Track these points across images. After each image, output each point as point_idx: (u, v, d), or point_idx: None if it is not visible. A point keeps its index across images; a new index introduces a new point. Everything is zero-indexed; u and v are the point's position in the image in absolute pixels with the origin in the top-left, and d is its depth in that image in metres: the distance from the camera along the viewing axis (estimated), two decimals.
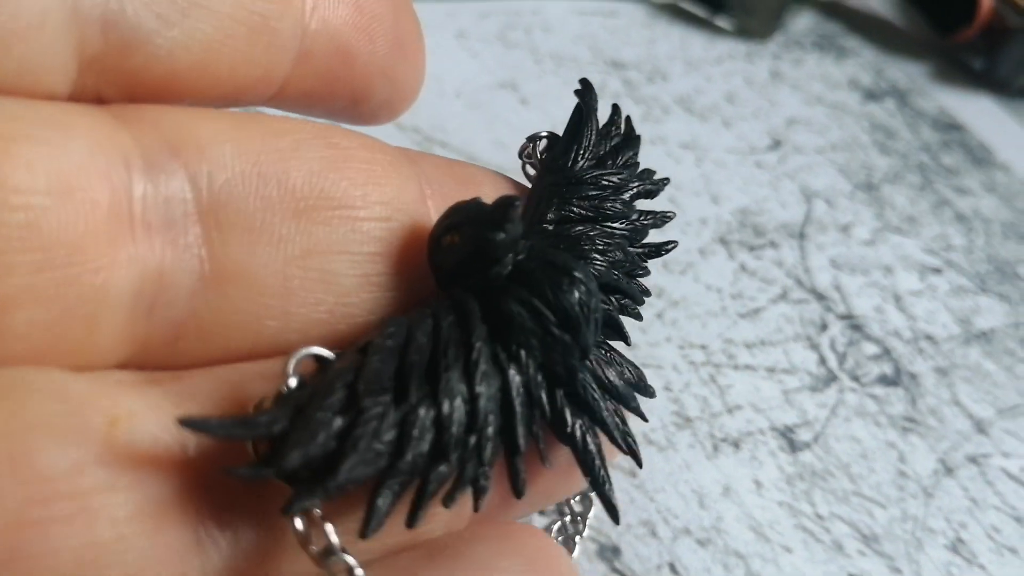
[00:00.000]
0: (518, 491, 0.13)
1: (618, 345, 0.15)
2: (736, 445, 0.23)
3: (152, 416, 0.12)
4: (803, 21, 0.41)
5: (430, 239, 0.14)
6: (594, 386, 0.14)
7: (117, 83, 0.13)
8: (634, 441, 0.15)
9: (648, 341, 0.24)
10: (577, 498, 0.20)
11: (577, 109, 0.16)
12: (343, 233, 0.14)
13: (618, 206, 0.16)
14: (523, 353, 0.13)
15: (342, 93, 0.15)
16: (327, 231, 0.13)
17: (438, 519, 0.14)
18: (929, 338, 0.27)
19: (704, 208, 0.29)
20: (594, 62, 0.34)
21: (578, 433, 0.14)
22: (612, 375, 0.14)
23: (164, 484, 0.12)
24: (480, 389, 0.13)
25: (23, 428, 0.11)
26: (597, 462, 0.14)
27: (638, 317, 0.16)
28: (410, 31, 0.16)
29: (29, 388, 0.11)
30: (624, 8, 0.37)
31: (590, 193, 0.15)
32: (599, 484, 0.14)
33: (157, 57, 0.13)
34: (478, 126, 0.29)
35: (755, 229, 0.29)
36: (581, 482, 0.15)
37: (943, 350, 0.27)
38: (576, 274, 0.13)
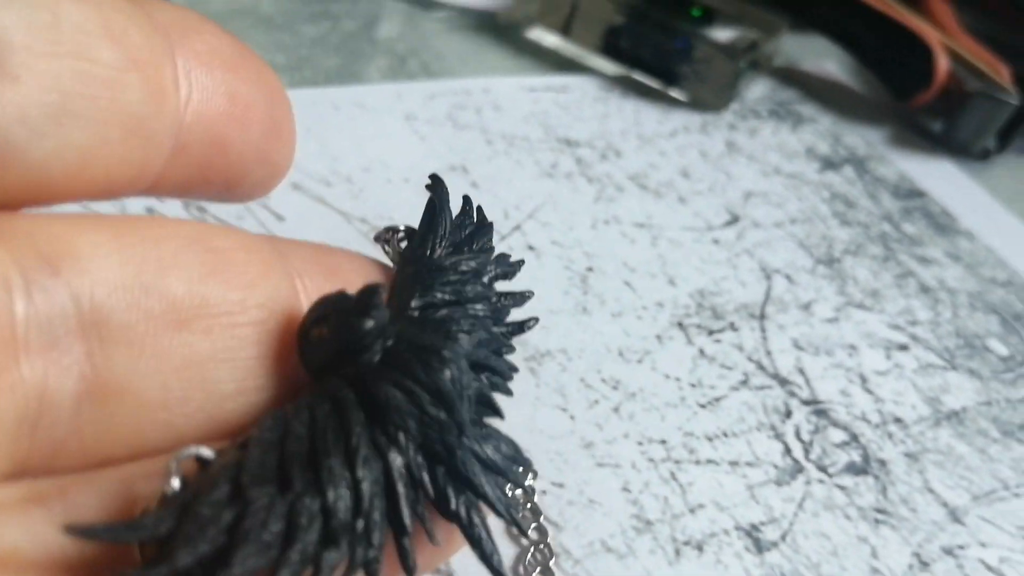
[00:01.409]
0: (409, 570, 0.14)
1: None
2: (700, 548, 0.21)
3: (37, 550, 0.12)
4: (758, 89, 0.40)
5: (299, 335, 0.14)
6: (474, 462, 0.14)
7: None
8: (516, 511, 0.15)
9: (605, 438, 0.23)
10: (533, 526, 0.21)
11: (430, 203, 0.17)
12: (223, 341, 0.14)
13: (479, 288, 0.16)
14: (401, 435, 0.13)
15: (217, 180, 0.16)
16: (208, 341, 0.13)
17: None
18: (898, 421, 0.26)
19: (660, 291, 0.28)
20: (546, 140, 0.33)
21: (462, 510, 0.14)
22: (489, 450, 0.15)
23: None
24: (362, 474, 0.13)
25: None
26: (484, 536, 0.14)
27: (508, 392, 0.16)
28: (283, 113, 0.16)
29: None
30: (575, 82, 0.37)
31: (451, 279, 0.16)
32: (487, 557, 0.14)
33: (30, 170, 0.12)
34: None
35: (714, 311, 0.28)
36: (462, 545, 0.15)
37: (912, 433, 0.26)
38: (445, 353, 0.14)
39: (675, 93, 0.38)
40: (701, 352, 0.26)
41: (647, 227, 0.30)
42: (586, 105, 0.36)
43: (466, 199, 0.18)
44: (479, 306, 0.16)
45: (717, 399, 0.25)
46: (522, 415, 0.23)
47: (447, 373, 0.14)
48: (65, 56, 0.12)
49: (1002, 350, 0.30)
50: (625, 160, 0.33)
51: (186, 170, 0.15)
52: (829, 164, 0.37)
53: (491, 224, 0.18)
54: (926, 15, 0.43)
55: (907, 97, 0.40)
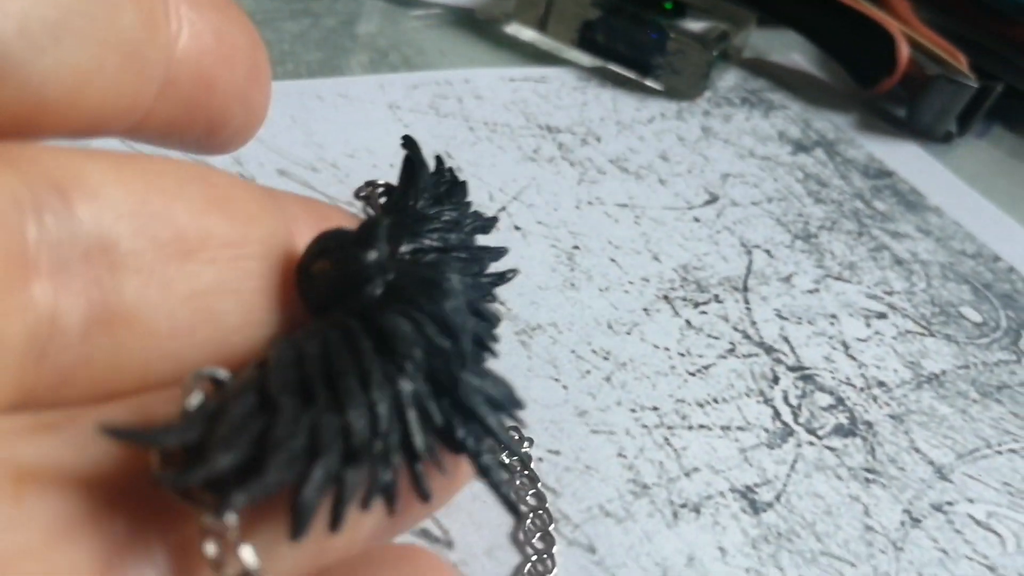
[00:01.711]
0: (424, 495, 0.14)
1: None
2: (697, 510, 0.22)
3: (56, 472, 0.11)
4: (730, 79, 0.41)
5: (299, 270, 0.14)
6: (477, 394, 0.14)
7: None
8: (519, 444, 0.15)
9: (598, 406, 0.23)
10: (537, 536, 0.20)
11: (407, 160, 0.18)
12: (228, 273, 0.14)
13: (462, 237, 0.17)
14: (408, 364, 0.13)
15: (200, 121, 0.16)
16: (213, 271, 0.13)
17: (341, 540, 0.14)
18: (881, 384, 0.27)
19: (645, 266, 0.28)
20: (528, 126, 0.33)
21: (470, 441, 0.14)
22: (489, 386, 0.15)
23: (76, 546, 0.11)
24: (377, 396, 0.13)
25: None
26: (492, 465, 0.14)
27: (495, 339, 0.16)
28: (262, 58, 0.16)
29: None
30: (554, 73, 0.38)
31: (435, 227, 0.16)
32: (497, 487, 0.14)
33: (27, 88, 0.12)
34: None
35: (698, 284, 0.28)
36: (462, 485, 0.16)
37: (896, 396, 0.26)
38: (447, 286, 0.14)
39: (650, 83, 0.38)
40: (688, 323, 0.27)
41: (629, 207, 0.31)
42: (565, 94, 0.36)
43: (439, 159, 0.19)
44: (463, 254, 0.17)
45: (706, 367, 0.25)
46: (515, 386, 0.23)
47: (452, 303, 0.14)
48: None
49: (975, 317, 0.30)
50: (605, 145, 0.34)
51: (174, 108, 0.15)
52: (800, 147, 0.37)
53: (465, 182, 0.18)
54: (886, 10, 0.44)
55: (871, 84, 0.41)
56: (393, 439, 0.13)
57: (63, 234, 0.12)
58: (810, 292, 0.29)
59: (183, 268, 0.13)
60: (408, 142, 0.18)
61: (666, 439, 0.23)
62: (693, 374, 0.25)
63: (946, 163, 0.39)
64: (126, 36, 0.13)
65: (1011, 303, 0.31)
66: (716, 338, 0.26)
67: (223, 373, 0.13)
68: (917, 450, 0.25)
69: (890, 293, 0.30)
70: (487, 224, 0.18)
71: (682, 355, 0.26)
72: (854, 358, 0.27)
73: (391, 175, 0.30)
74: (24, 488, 0.11)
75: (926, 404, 0.26)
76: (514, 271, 0.18)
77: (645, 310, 0.27)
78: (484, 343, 0.16)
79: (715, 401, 0.25)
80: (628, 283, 0.28)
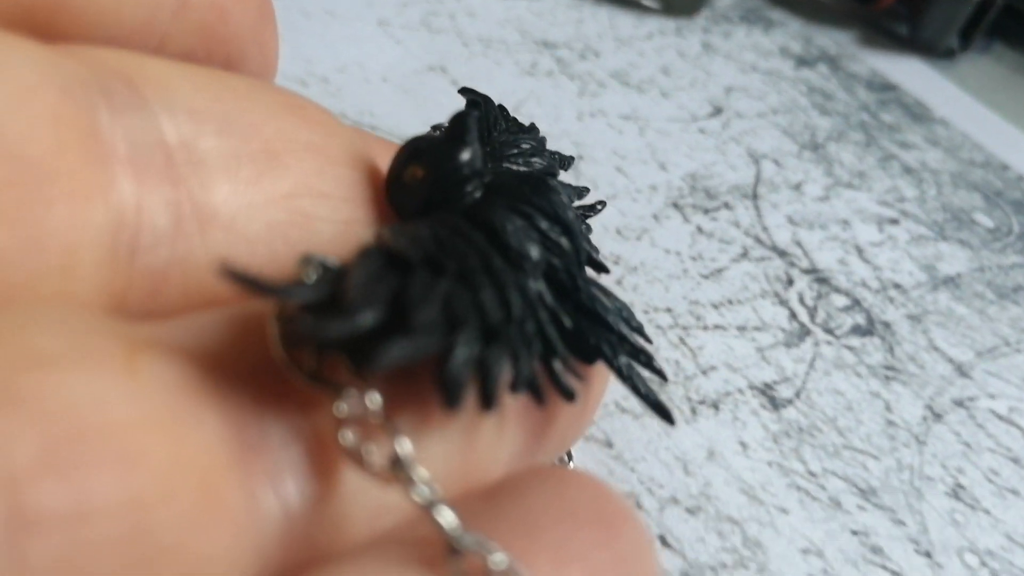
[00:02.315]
0: (567, 393, 0.12)
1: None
2: (715, 407, 0.21)
3: (170, 348, 0.10)
4: None
5: (389, 179, 0.13)
6: (600, 297, 0.13)
7: (5, 10, 0.11)
8: (649, 355, 0.13)
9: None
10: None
11: (470, 104, 0.15)
12: (317, 175, 0.12)
13: (546, 164, 0.15)
14: (526, 263, 0.12)
15: (218, 53, 0.14)
16: (302, 172, 0.12)
17: (487, 448, 0.12)
18: (897, 286, 0.26)
19: (653, 175, 0.28)
20: (523, 43, 0.32)
21: (604, 347, 0.12)
22: (603, 297, 0.13)
23: (201, 423, 0.09)
24: (506, 280, 0.11)
25: (23, 359, 0.08)
26: (632, 371, 0.13)
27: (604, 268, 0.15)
28: (268, 3, 0.15)
29: (21, 316, 0.09)
30: None
31: (516, 152, 0.15)
32: (641, 390, 0.13)
33: None
34: (408, 109, 0.28)
35: (707, 192, 0.27)
36: (590, 416, 0.14)
37: (912, 297, 0.26)
38: (554, 183, 0.13)
39: (647, 1, 0.37)
40: (699, 229, 0.26)
41: (633, 119, 0.30)
42: (559, 12, 0.35)
43: (501, 107, 0.17)
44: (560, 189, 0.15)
45: (719, 270, 0.25)
46: None
47: (560, 199, 0.12)
48: None
49: (988, 223, 0.30)
50: (604, 60, 0.33)
51: (189, 36, 0.14)
52: (803, 62, 0.36)
53: (533, 124, 0.17)
54: None
55: (870, 1, 0.40)
56: (530, 326, 0.11)
57: (137, 121, 0.11)
58: (820, 199, 0.29)
59: (269, 167, 0.12)
60: (465, 91, 0.16)
61: (681, 339, 0.22)
62: (706, 277, 0.24)
63: (950, 78, 0.38)
64: None
65: (1022, 209, 0.31)
66: (728, 243, 0.26)
67: (333, 259, 0.11)
68: (936, 348, 0.24)
69: (901, 200, 0.30)
70: (566, 160, 0.16)
71: (694, 259, 0.25)
72: (868, 261, 0.26)
73: (384, 89, 0.29)
74: (138, 359, 0.09)
75: (943, 305, 0.26)
76: (603, 202, 0.16)
77: (654, 217, 0.26)
78: (592, 259, 0.14)
79: (729, 302, 0.24)
80: (636, 191, 0.27)
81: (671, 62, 0.34)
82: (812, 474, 0.20)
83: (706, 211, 0.27)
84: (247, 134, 0.12)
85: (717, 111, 0.32)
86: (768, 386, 0.22)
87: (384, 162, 0.14)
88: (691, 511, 0.19)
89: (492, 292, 0.11)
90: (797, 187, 0.29)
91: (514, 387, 0.11)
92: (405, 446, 0.10)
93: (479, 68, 0.30)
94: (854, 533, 0.19)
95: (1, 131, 0.09)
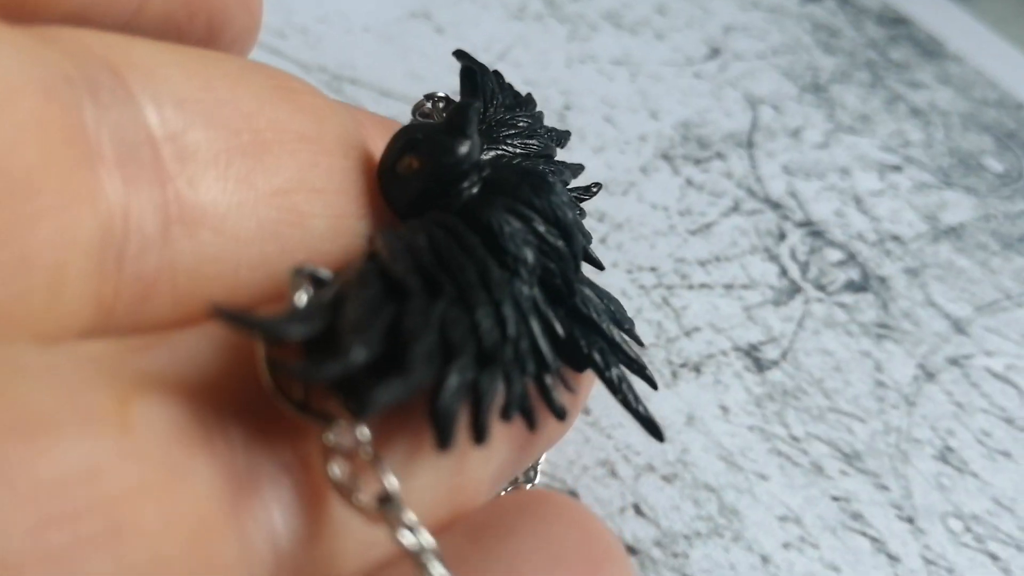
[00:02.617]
0: (558, 412, 0.12)
1: None
2: (697, 370, 0.21)
3: (162, 387, 0.10)
4: None
5: (381, 170, 0.13)
6: (595, 301, 0.12)
7: None
8: (641, 362, 0.13)
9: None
10: None
11: (467, 70, 0.15)
12: (309, 169, 0.12)
13: (542, 143, 0.14)
14: (521, 267, 0.11)
15: (200, 17, 0.14)
16: (295, 166, 0.12)
17: (476, 468, 0.12)
18: (896, 238, 0.25)
19: (643, 124, 0.27)
20: None
21: (596, 355, 0.12)
22: (597, 299, 0.13)
23: (194, 474, 0.09)
24: (501, 296, 0.11)
25: (16, 422, 0.08)
26: (623, 383, 0.12)
27: (599, 264, 0.15)
28: None
29: (10, 367, 0.09)
30: None
31: (512, 132, 0.14)
32: (632, 404, 0.13)
33: None
34: (391, 60, 0.27)
35: (699, 142, 0.26)
36: (572, 423, 0.14)
37: (911, 250, 0.25)
38: (553, 180, 0.12)
39: None
40: (688, 181, 0.25)
41: (625, 64, 0.29)
42: None
43: (497, 72, 0.16)
44: (545, 165, 0.14)
45: (708, 225, 0.24)
46: None
47: (558, 198, 0.12)
48: None
49: (997, 167, 0.28)
50: (596, 0, 0.31)
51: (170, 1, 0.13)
52: None
53: (530, 94, 0.16)
54: None
55: None
56: (524, 344, 0.11)
57: (124, 117, 0.10)
58: (819, 146, 0.27)
59: (261, 161, 0.11)
60: (460, 55, 0.16)
61: (664, 299, 0.22)
62: (694, 233, 0.24)
63: (968, 8, 0.36)
64: None
65: None
66: (718, 196, 0.25)
67: (324, 272, 0.11)
68: (933, 304, 0.23)
69: (906, 145, 0.28)
70: (562, 136, 0.16)
71: (681, 214, 0.24)
72: (866, 212, 0.26)
73: (366, 39, 0.28)
74: (131, 410, 0.09)
75: (943, 257, 0.25)
76: (598, 184, 0.16)
77: (642, 169, 0.25)
78: (589, 255, 0.14)
79: (717, 259, 0.23)
80: (624, 143, 0.26)
81: (667, 0, 0.32)
82: (795, 438, 0.20)
83: (697, 162, 0.26)
84: (237, 125, 0.11)
85: (714, 53, 0.30)
86: (753, 347, 0.21)
87: (376, 144, 0.13)
88: (667, 479, 0.18)
89: (488, 310, 0.11)
90: (795, 133, 0.28)
91: (505, 412, 0.11)
92: (393, 484, 0.10)
93: (465, 12, 0.29)
94: (834, 499, 0.19)
95: None
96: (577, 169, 0.15)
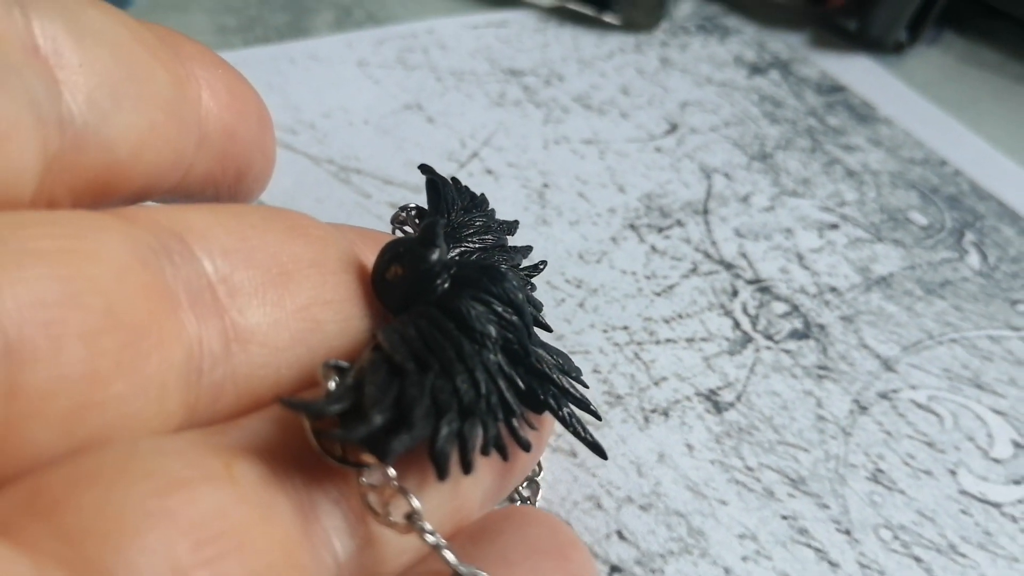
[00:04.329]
0: (524, 446, 0.16)
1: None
2: (666, 414, 0.24)
3: (247, 451, 0.14)
4: (685, 7, 0.43)
5: (374, 279, 0.17)
6: (545, 359, 0.16)
7: (71, 182, 0.15)
8: (587, 401, 0.18)
9: (573, 330, 0.26)
10: (524, 483, 0.22)
11: (431, 182, 0.19)
12: (321, 287, 0.16)
13: (496, 237, 0.19)
14: (488, 341, 0.16)
15: (231, 170, 0.18)
16: (310, 287, 0.16)
17: (469, 489, 0.17)
18: (833, 290, 0.29)
19: (612, 198, 0.31)
20: (492, 72, 0.35)
21: (551, 400, 0.16)
22: (552, 355, 0.17)
23: (280, 508, 0.13)
24: (473, 364, 0.15)
25: (166, 483, 0.12)
26: (572, 418, 0.17)
27: (547, 327, 0.19)
28: (263, 106, 0.19)
29: (149, 451, 0.13)
30: (514, 17, 0.39)
31: (471, 231, 0.18)
32: (580, 434, 0.17)
33: (103, 149, 0.15)
34: (389, 150, 0.31)
35: (661, 211, 0.30)
36: (540, 453, 0.18)
37: (847, 299, 0.29)
38: (504, 270, 0.16)
39: (608, 18, 0.40)
40: (653, 248, 0.29)
41: (594, 143, 0.33)
42: (526, 37, 0.38)
43: (455, 180, 0.21)
44: (500, 253, 0.19)
45: (670, 287, 0.28)
46: None
47: (510, 284, 0.16)
48: (109, 56, 0.15)
49: (922, 220, 0.33)
50: (568, 84, 0.35)
51: (209, 161, 0.17)
52: (756, 70, 0.39)
53: (483, 195, 0.20)
54: None
55: (821, 0, 0.43)
56: (494, 399, 0.15)
57: (190, 271, 0.14)
58: (766, 210, 0.32)
59: (287, 288, 0.15)
60: (424, 168, 0.20)
61: (636, 354, 0.26)
62: (659, 294, 0.28)
63: (897, 73, 0.41)
64: (165, 95, 0.16)
65: (956, 204, 0.34)
66: (679, 259, 0.29)
67: (344, 363, 0.15)
68: (865, 346, 0.27)
69: (842, 204, 0.33)
70: (512, 226, 0.20)
71: (648, 278, 0.28)
72: (808, 268, 0.30)
73: (366, 131, 0.32)
74: (234, 469, 0.13)
75: (875, 304, 0.29)
76: (544, 262, 0.20)
77: (613, 239, 0.29)
78: (539, 321, 0.18)
79: (680, 317, 0.27)
80: (596, 215, 0.30)
81: (630, 81, 0.36)
82: (749, 469, 0.23)
83: (660, 230, 0.30)
84: (268, 263, 0.15)
85: (673, 128, 0.34)
86: (713, 392, 0.25)
87: (367, 256, 0.17)
88: (644, 508, 0.22)
89: (465, 376, 0.15)
90: (745, 199, 0.32)
91: (484, 449, 0.15)
92: (416, 504, 0.14)
93: (452, 103, 0.33)
94: (784, 518, 0.23)
95: (115, 306, 0.13)
96: (526, 250, 0.20)
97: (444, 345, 0.15)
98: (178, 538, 0.12)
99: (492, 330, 0.16)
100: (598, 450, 0.17)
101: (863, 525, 0.23)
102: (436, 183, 0.19)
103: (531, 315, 0.16)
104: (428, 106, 0.33)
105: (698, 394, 0.25)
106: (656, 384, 0.25)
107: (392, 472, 0.14)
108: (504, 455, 0.16)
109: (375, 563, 0.15)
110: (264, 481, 0.13)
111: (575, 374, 0.18)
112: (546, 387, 0.16)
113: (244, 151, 0.18)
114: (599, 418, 0.18)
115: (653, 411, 0.24)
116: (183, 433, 0.14)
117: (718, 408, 0.25)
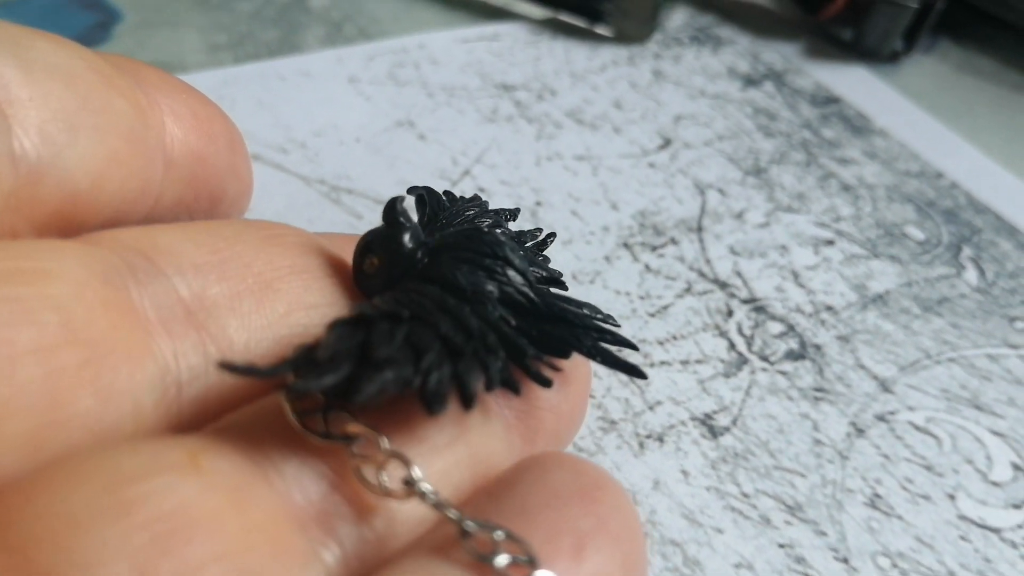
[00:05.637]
0: (541, 382, 0.15)
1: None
2: (661, 440, 0.24)
3: (220, 445, 0.13)
4: (678, 18, 0.42)
5: (355, 274, 0.16)
6: (557, 301, 0.16)
7: (32, 215, 0.15)
8: (615, 332, 0.16)
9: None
10: None
11: (419, 197, 0.19)
12: (304, 291, 0.16)
13: (492, 220, 0.18)
14: (484, 300, 0.15)
15: (203, 195, 0.18)
16: (292, 292, 0.16)
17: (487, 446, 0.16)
18: (829, 308, 0.29)
19: (605, 216, 0.30)
20: (484, 87, 0.35)
21: (571, 338, 0.15)
22: (570, 305, 0.16)
23: (258, 496, 0.13)
24: (464, 314, 0.14)
25: (123, 476, 0.12)
26: (596, 348, 0.16)
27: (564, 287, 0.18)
28: (233, 128, 0.19)
29: (106, 452, 0.12)
30: (506, 30, 0.39)
31: (463, 218, 0.18)
32: (611, 360, 0.16)
33: (61, 181, 0.15)
34: (381, 168, 0.30)
35: (655, 229, 0.30)
36: (579, 406, 0.17)
37: (843, 318, 0.28)
38: (488, 231, 0.16)
39: (601, 30, 0.40)
40: (647, 267, 0.29)
41: (587, 159, 0.32)
42: (518, 50, 0.37)
43: (447, 192, 0.20)
44: (499, 232, 0.17)
45: (665, 307, 0.28)
46: None
47: (488, 236, 0.15)
48: (62, 88, 0.14)
49: (919, 235, 0.32)
50: (560, 98, 0.35)
51: (179, 186, 0.17)
52: (750, 82, 0.39)
53: (477, 195, 0.20)
54: None
55: (817, 10, 0.42)
56: (492, 338, 0.14)
57: (157, 288, 0.14)
58: (761, 226, 0.31)
59: (265, 295, 0.15)
60: (412, 190, 0.19)
61: (630, 377, 0.25)
62: (653, 315, 0.27)
63: (892, 83, 0.41)
64: (124, 123, 0.15)
65: (952, 218, 0.33)
66: (673, 279, 0.29)
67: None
68: (862, 367, 0.27)
69: (837, 220, 0.32)
70: (512, 213, 0.19)
71: (642, 298, 0.28)
72: (803, 286, 0.29)
73: (357, 149, 0.31)
74: (199, 460, 0.13)
75: (871, 323, 0.29)
76: (553, 234, 0.19)
77: (606, 258, 0.29)
78: (554, 280, 0.17)
79: (674, 338, 0.27)
80: (589, 234, 0.30)
81: (623, 94, 0.36)
82: (745, 495, 0.23)
83: (654, 248, 0.29)
84: (242, 273, 0.15)
85: (666, 143, 0.34)
86: (708, 416, 0.25)
87: (349, 256, 0.17)
88: None
89: (450, 322, 0.14)
90: (739, 215, 0.31)
91: (488, 386, 0.14)
92: (413, 469, 0.14)
93: (444, 119, 0.33)
94: (780, 546, 0.22)
95: (72, 322, 0.13)
96: (535, 232, 0.19)
97: (422, 301, 0.14)
98: (134, 532, 0.11)
99: (489, 285, 0.15)
100: (636, 372, 0.17)
101: (861, 552, 0.22)
102: (423, 195, 0.19)
103: (527, 266, 0.16)
104: (420, 122, 0.32)
105: (693, 418, 0.25)
106: (651, 408, 0.25)
107: (384, 440, 0.14)
108: (515, 390, 0.15)
109: (382, 537, 0.14)
110: (237, 469, 0.13)
111: (603, 315, 0.17)
112: (567, 330, 0.15)
113: (215, 174, 0.18)
114: (634, 347, 0.17)
115: (648, 436, 0.24)
116: (154, 437, 0.13)
117: (713, 433, 0.24)
